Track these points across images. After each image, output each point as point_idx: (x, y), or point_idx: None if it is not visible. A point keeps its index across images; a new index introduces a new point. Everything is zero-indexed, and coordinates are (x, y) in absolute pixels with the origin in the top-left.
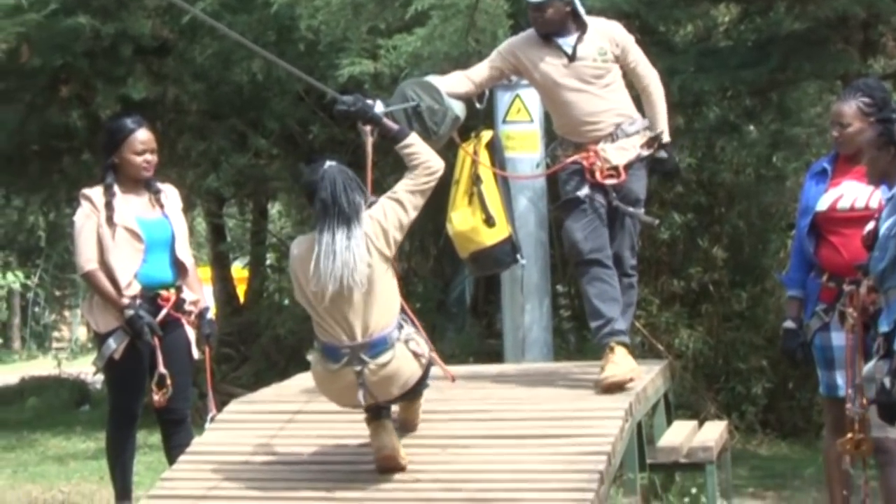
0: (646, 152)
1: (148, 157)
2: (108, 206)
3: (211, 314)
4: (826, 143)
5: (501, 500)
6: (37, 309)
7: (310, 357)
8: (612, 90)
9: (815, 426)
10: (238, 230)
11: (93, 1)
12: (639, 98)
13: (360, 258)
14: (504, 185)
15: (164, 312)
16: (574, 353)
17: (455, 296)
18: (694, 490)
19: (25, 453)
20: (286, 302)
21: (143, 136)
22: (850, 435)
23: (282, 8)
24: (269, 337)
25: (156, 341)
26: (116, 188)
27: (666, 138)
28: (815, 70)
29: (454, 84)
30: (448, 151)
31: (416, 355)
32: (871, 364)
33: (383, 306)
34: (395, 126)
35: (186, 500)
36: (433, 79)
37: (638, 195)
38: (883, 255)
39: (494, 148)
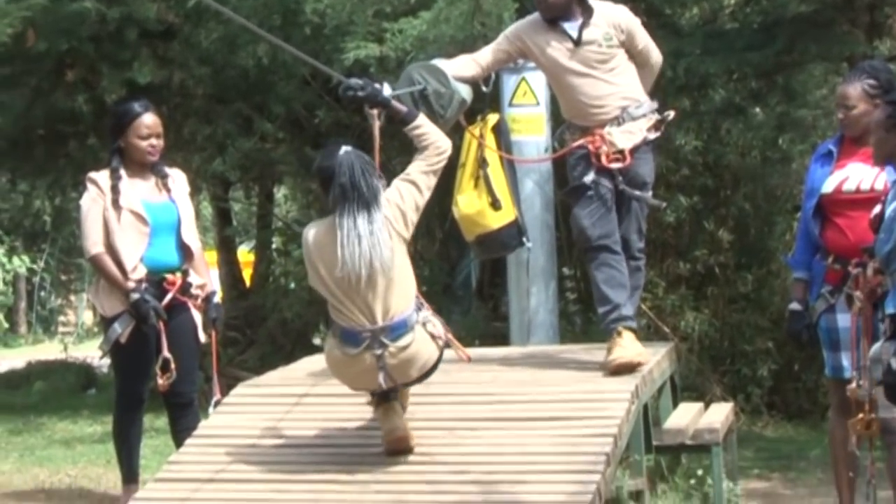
0: (652, 135)
1: (153, 141)
2: (114, 189)
3: (217, 298)
4: (832, 125)
5: (508, 482)
6: (43, 293)
7: (317, 341)
8: (617, 74)
9: (820, 408)
10: (244, 214)
11: None
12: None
13: (383, 242)
14: (510, 168)
15: (169, 296)
16: (580, 335)
17: (461, 279)
18: (700, 472)
19: (32, 437)
20: (292, 285)
21: (148, 120)
22: (860, 415)
23: None
24: (275, 320)
25: (161, 325)
26: (123, 172)
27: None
28: (820, 52)
29: (461, 67)
30: (454, 134)
31: (434, 337)
32: (877, 345)
33: (403, 289)
34: (403, 108)
35: (193, 484)
36: (439, 62)
37: (645, 178)
38: (889, 237)
39: (500, 131)
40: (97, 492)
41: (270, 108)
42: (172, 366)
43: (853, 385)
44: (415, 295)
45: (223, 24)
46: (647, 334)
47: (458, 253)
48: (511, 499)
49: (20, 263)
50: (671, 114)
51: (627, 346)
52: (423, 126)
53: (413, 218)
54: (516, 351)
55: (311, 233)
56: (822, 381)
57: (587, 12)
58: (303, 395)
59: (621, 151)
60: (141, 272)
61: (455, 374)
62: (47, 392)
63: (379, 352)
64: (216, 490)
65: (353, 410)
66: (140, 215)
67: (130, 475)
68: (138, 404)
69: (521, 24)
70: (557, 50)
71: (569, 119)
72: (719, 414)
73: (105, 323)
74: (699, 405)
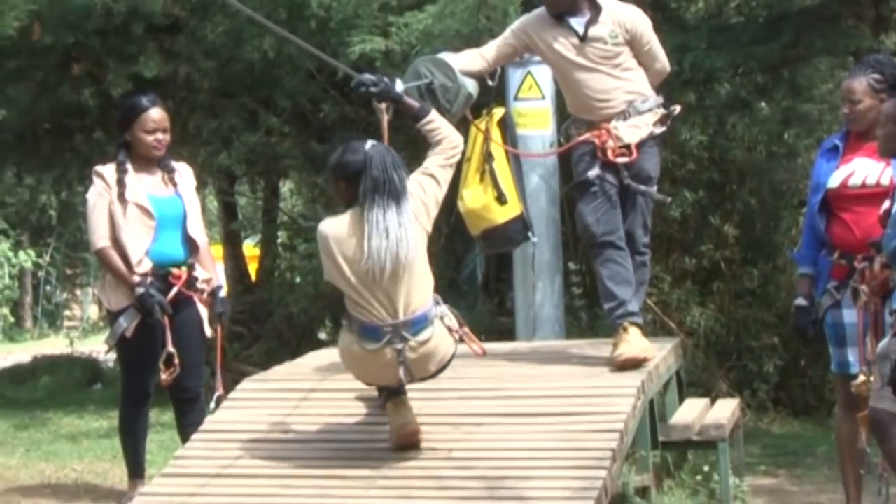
0: (658, 130)
1: (159, 135)
2: (120, 182)
3: (223, 292)
4: (838, 119)
5: (514, 477)
6: (48, 287)
7: (323, 336)
8: (624, 69)
9: (826, 404)
10: (249, 208)
11: None
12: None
13: (412, 235)
14: (516, 162)
15: (175, 290)
16: (586, 330)
17: (466, 273)
18: (706, 468)
19: (38, 432)
20: (298, 280)
21: (155, 114)
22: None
23: None
24: (280, 315)
25: (166, 320)
26: (129, 166)
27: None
28: (826, 46)
29: (467, 62)
30: (460, 128)
31: (451, 331)
32: (885, 341)
33: (423, 283)
34: (416, 104)
35: (199, 479)
36: (446, 56)
37: (650, 173)
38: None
39: (506, 125)
40: (103, 487)
41: (276, 102)
42: (176, 360)
43: (860, 380)
44: (432, 288)
45: (229, 18)
46: (653, 329)
47: (463, 247)
48: (517, 494)
49: (26, 258)
50: (677, 108)
51: (633, 342)
52: (436, 121)
53: (434, 211)
54: (522, 346)
55: (329, 227)
56: (829, 377)
57: (595, 9)
58: (309, 391)
59: (627, 146)
60: (146, 266)
61: (461, 370)
62: (53, 387)
63: (400, 346)
64: (222, 485)
65: (359, 406)
66: (146, 209)
67: (136, 470)
68: (144, 399)
69: (528, 19)
70: (563, 45)
71: (574, 114)
72: (725, 410)
73: (111, 317)
74: (705, 401)
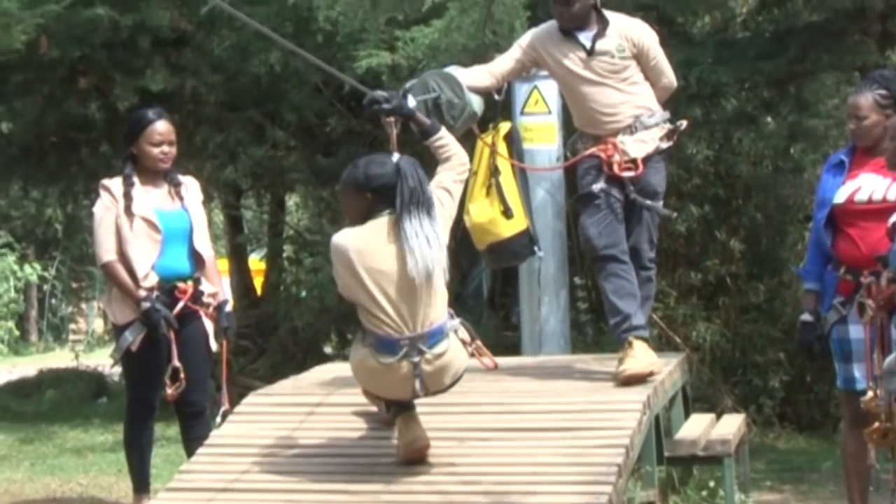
0: (665, 145)
1: (165, 148)
2: (127, 196)
3: (229, 307)
4: (844, 134)
5: (519, 492)
6: (54, 301)
7: (328, 350)
8: (630, 83)
9: (832, 419)
10: (255, 222)
11: None
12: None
13: (442, 247)
14: (522, 176)
15: (181, 304)
16: (591, 345)
17: (472, 288)
18: (712, 483)
19: (43, 446)
20: (303, 294)
21: (161, 127)
22: (876, 424)
23: None
24: (286, 329)
25: (171, 334)
26: (135, 179)
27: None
28: (832, 61)
29: (476, 78)
30: (465, 143)
31: (465, 344)
32: (892, 357)
33: (440, 296)
34: (427, 121)
35: (205, 493)
36: (455, 71)
37: (656, 188)
38: None
39: (512, 139)
40: (108, 501)
41: (282, 115)
42: (182, 375)
43: (868, 396)
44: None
45: (236, 32)
46: (659, 345)
47: (469, 262)
48: None
49: (31, 271)
50: (684, 123)
51: (639, 357)
52: (445, 138)
53: (450, 225)
54: (527, 361)
55: (349, 239)
56: (834, 392)
57: (602, 23)
58: (315, 405)
59: (633, 160)
60: (153, 280)
61: (466, 384)
62: (58, 400)
63: (416, 359)
64: (228, 500)
65: (365, 420)
66: (152, 223)
67: (141, 484)
68: (149, 413)
69: (535, 34)
70: (570, 59)
71: (581, 128)
72: (731, 425)
73: (117, 331)
74: (711, 416)
